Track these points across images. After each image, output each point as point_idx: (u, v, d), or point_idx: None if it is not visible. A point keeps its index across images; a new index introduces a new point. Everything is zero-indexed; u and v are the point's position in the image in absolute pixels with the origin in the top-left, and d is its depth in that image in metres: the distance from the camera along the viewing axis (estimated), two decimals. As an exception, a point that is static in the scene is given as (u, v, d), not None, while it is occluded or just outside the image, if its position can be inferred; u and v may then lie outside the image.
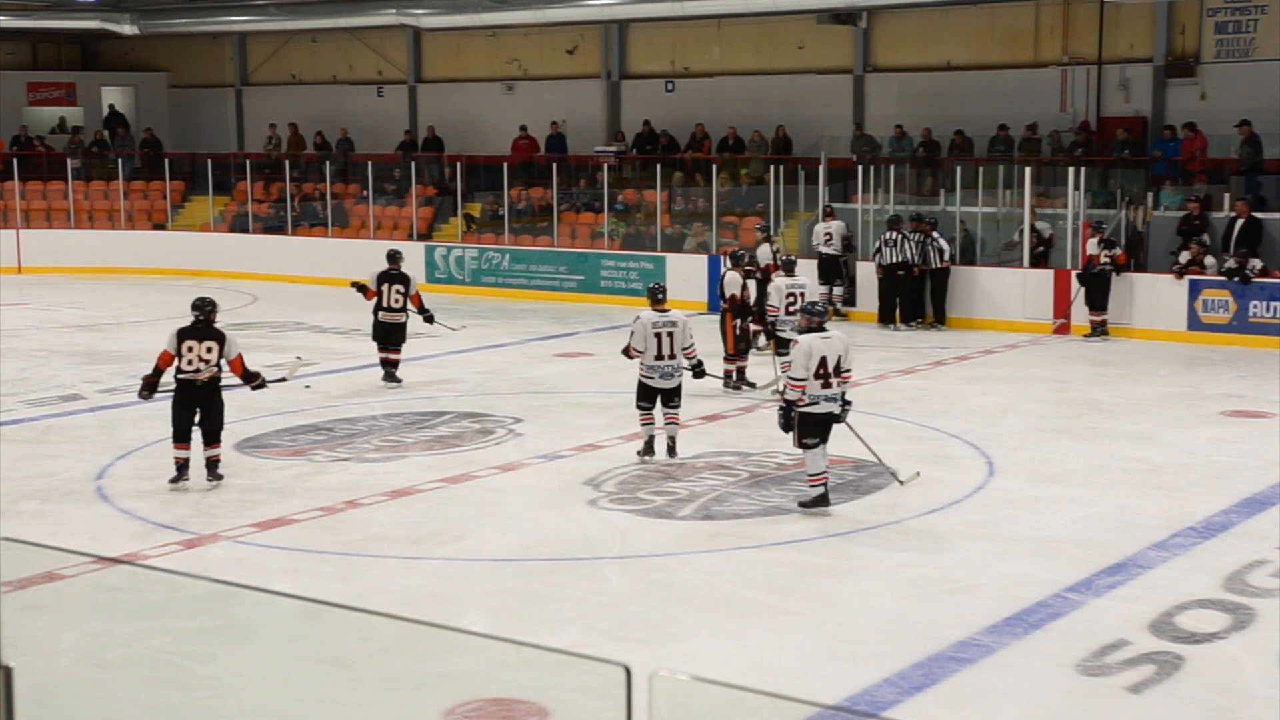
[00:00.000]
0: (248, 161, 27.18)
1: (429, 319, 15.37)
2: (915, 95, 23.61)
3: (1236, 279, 17.22)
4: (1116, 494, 10.55)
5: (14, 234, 26.04)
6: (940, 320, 18.92)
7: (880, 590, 8.52)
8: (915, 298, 19.00)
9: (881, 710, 6.72)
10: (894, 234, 18.98)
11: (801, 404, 9.85)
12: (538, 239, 23.58)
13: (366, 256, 23.66)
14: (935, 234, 18.89)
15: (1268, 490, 10.60)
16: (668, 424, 11.54)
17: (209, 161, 27.44)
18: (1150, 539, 9.37)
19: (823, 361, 9.80)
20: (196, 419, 10.74)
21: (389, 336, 14.87)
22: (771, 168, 21.65)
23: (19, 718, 4.39)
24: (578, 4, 24.66)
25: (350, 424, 13.01)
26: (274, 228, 26.18)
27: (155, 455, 11.80)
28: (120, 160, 27.71)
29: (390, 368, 14.91)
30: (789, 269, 14.30)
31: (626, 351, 11.57)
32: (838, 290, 19.60)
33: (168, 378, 10.87)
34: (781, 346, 13.85)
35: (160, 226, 27.31)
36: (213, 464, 10.82)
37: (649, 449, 11.48)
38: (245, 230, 26.26)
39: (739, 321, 14.33)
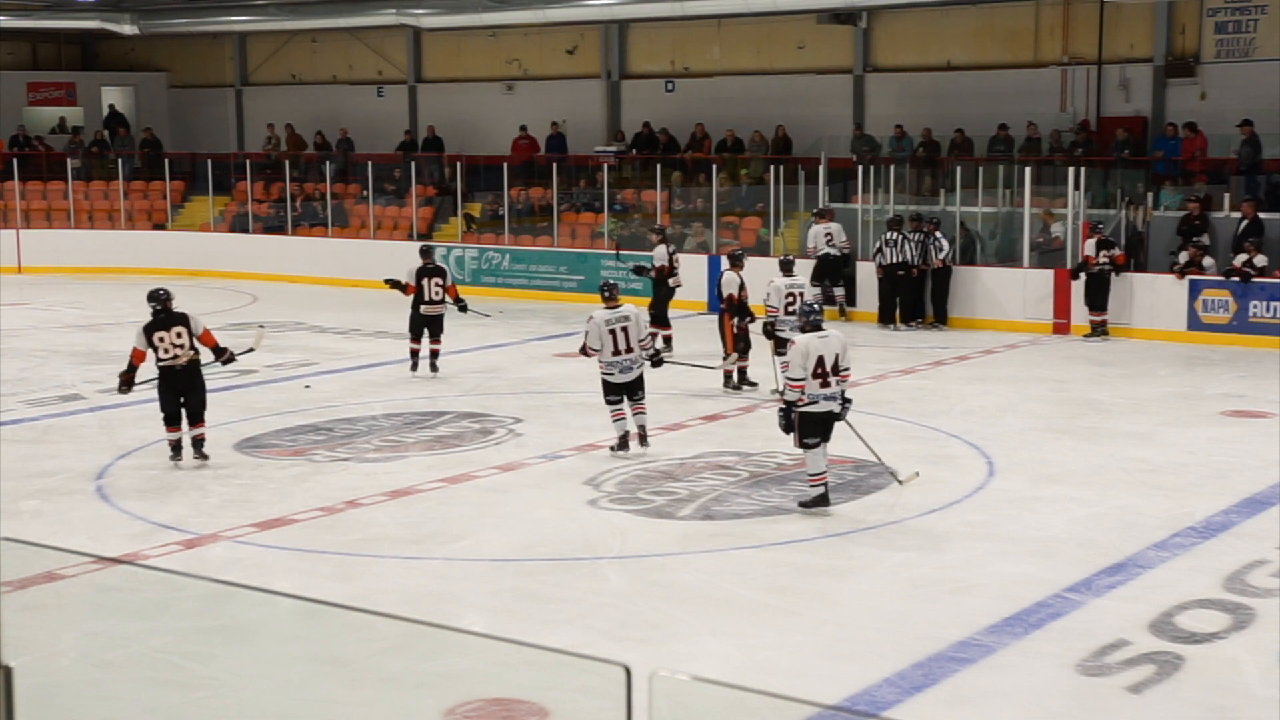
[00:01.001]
0: (248, 161, 27.18)
1: (463, 308, 16.00)
2: (915, 95, 23.61)
3: (1236, 279, 17.22)
4: (1116, 494, 10.55)
5: (14, 234, 26.04)
6: (942, 320, 18.92)
7: (880, 590, 8.52)
8: (915, 298, 19.01)
9: (881, 710, 6.72)
10: (894, 234, 18.99)
11: (801, 404, 9.87)
12: (538, 239, 23.59)
13: (366, 256, 23.80)
14: (939, 234, 18.90)
15: (1268, 490, 10.60)
16: (635, 414, 11.78)
17: (209, 161, 27.45)
18: (1150, 539, 9.37)
19: (820, 361, 9.82)
20: (181, 401, 11.33)
21: (432, 328, 15.40)
22: (771, 168, 21.64)
23: (19, 718, 4.39)
24: (578, 4, 24.66)
25: (350, 424, 13.01)
26: (274, 228, 26.18)
27: (155, 455, 11.81)
28: (120, 160, 27.71)
29: (433, 358, 15.40)
30: (787, 269, 14.29)
31: (584, 350, 11.82)
32: (839, 291, 19.60)
33: (149, 371, 11.36)
34: (781, 347, 13.85)
35: (160, 226, 27.31)
36: (198, 442, 11.41)
37: (623, 444, 11.72)
38: (245, 230, 26.27)
39: (737, 321, 14.32)
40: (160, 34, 29.35)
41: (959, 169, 19.97)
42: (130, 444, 12.17)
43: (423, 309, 15.34)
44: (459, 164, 25.67)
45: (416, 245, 23.70)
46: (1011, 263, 19.15)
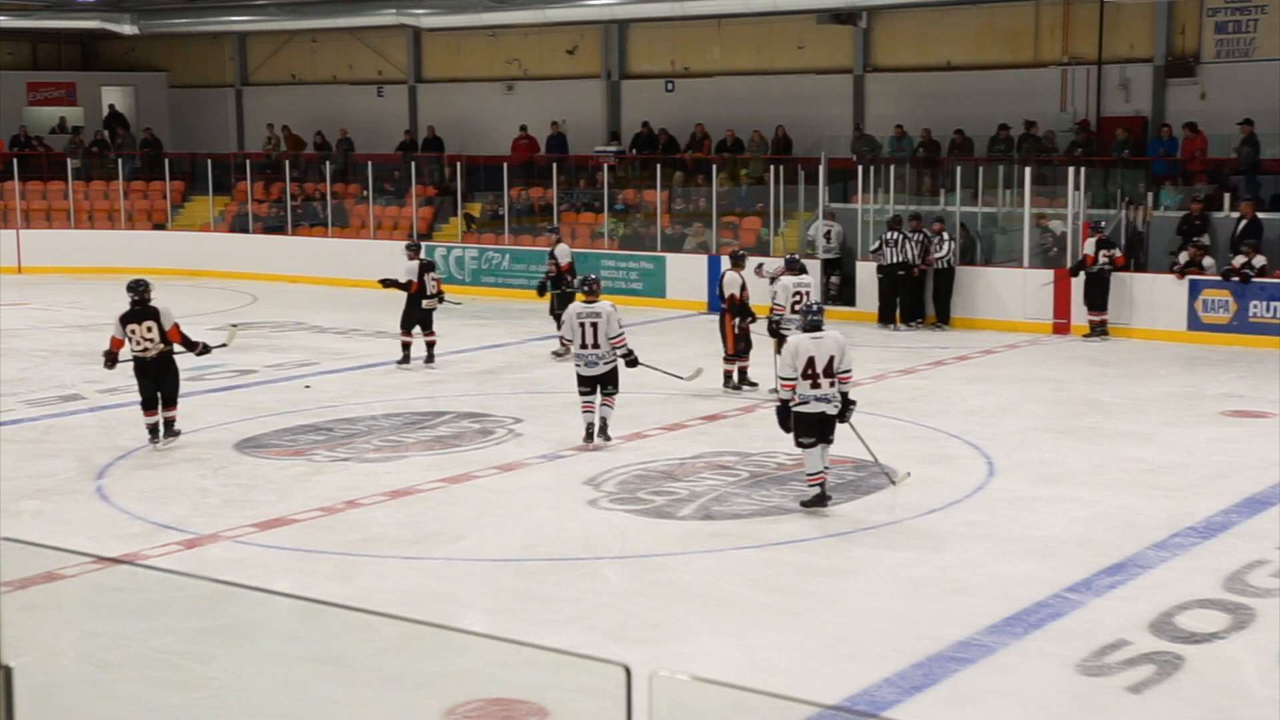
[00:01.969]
0: (248, 161, 27.18)
1: (442, 299, 16.47)
2: (915, 95, 23.60)
3: (1236, 278, 17.22)
4: (1116, 494, 10.55)
5: (14, 234, 26.05)
6: (944, 320, 18.92)
7: (880, 590, 8.52)
8: (915, 298, 19.01)
9: (881, 710, 6.72)
10: (894, 234, 18.99)
11: (793, 404, 9.90)
12: (538, 239, 23.56)
13: (366, 256, 23.77)
14: (944, 233, 18.90)
15: (1268, 490, 10.60)
16: (601, 406, 12.05)
17: (209, 161, 27.44)
18: (1150, 539, 9.37)
19: (810, 362, 9.83)
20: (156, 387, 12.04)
21: (426, 321, 16.04)
22: (771, 168, 21.63)
23: (19, 718, 4.39)
24: (578, 4, 24.65)
25: (350, 424, 13.01)
26: (274, 228, 26.18)
27: (155, 455, 11.83)
28: (120, 160, 27.71)
29: (431, 349, 16.01)
30: (794, 267, 14.28)
31: (561, 340, 12.38)
32: (833, 279, 19.72)
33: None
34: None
35: (160, 226, 27.31)
36: (169, 423, 12.10)
37: (590, 436, 11.98)
38: (245, 230, 26.27)
39: (738, 321, 14.32)
40: (160, 34, 29.35)
41: (959, 169, 19.97)
42: (130, 444, 12.17)
43: (424, 303, 15.96)
44: (459, 164, 25.66)
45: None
46: (1012, 263, 19.15)
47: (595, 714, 4.29)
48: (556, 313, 16.31)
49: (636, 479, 10.96)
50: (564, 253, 17.12)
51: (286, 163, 26.75)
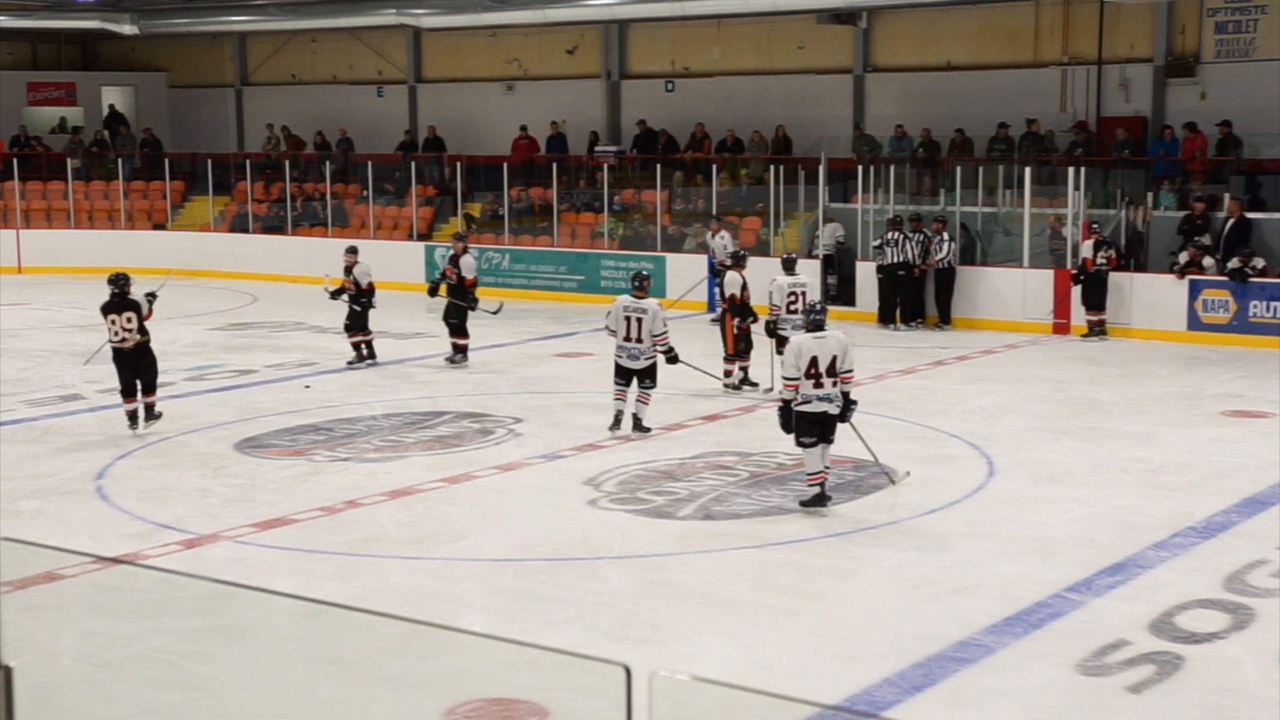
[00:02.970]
0: (248, 161, 27.18)
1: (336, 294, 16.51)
2: (915, 95, 23.60)
3: (1236, 279, 17.21)
4: (1116, 494, 10.55)
5: (14, 234, 26.05)
6: (945, 320, 18.92)
7: (880, 590, 8.52)
8: (915, 298, 19.01)
9: (881, 710, 6.72)
10: (895, 234, 18.99)
11: (795, 403, 9.90)
12: (538, 239, 23.58)
13: (367, 257, 23.65)
14: (945, 233, 18.90)
15: (1268, 490, 10.60)
16: (637, 401, 12.39)
17: (209, 161, 27.44)
18: (1150, 539, 9.37)
19: (813, 361, 9.85)
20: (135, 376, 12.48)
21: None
22: (771, 168, 21.64)
23: (19, 718, 4.39)
24: (578, 4, 24.65)
25: (350, 424, 13.01)
26: (274, 228, 26.18)
27: (155, 455, 11.83)
28: (120, 160, 27.71)
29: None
30: (789, 267, 14.29)
31: (608, 329, 12.61)
32: (831, 280, 19.80)
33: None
34: (783, 346, 13.83)
35: (160, 226, 27.31)
36: (149, 408, 12.57)
37: (617, 423, 12.35)
38: (245, 230, 26.27)
39: (739, 321, 14.32)
40: (160, 34, 29.34)
41: (959, 169, 19.97)
42: (130, 444, 12.18)
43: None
44: (459, 164, 25.66)
45: (417, 245, 23.88)
46: (1012, 263, 19.16)
47: (595, 714, 4.29)
48: (453, 320, 16.07)
49: (636, 479, 10.96)
50: (469, 266, 16.27)
51: (286, 163, 26.76)
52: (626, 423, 12.43)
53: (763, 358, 14.35)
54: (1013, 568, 8.85)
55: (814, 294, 14.07)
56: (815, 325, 10.07)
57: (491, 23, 25.63)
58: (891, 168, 20.49)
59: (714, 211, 21.76)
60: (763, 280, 15.00)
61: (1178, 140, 20.64)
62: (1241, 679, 7.19)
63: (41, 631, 7.18)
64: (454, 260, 16.37)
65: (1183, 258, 17.79)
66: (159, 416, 12.59)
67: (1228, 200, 18.61)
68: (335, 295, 16.39)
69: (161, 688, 6.74)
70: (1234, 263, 17.27)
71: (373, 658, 6.48)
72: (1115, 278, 17.89)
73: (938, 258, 18.84)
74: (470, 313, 16.19)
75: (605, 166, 23.87)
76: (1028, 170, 19.19)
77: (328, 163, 26.76)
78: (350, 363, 16.03)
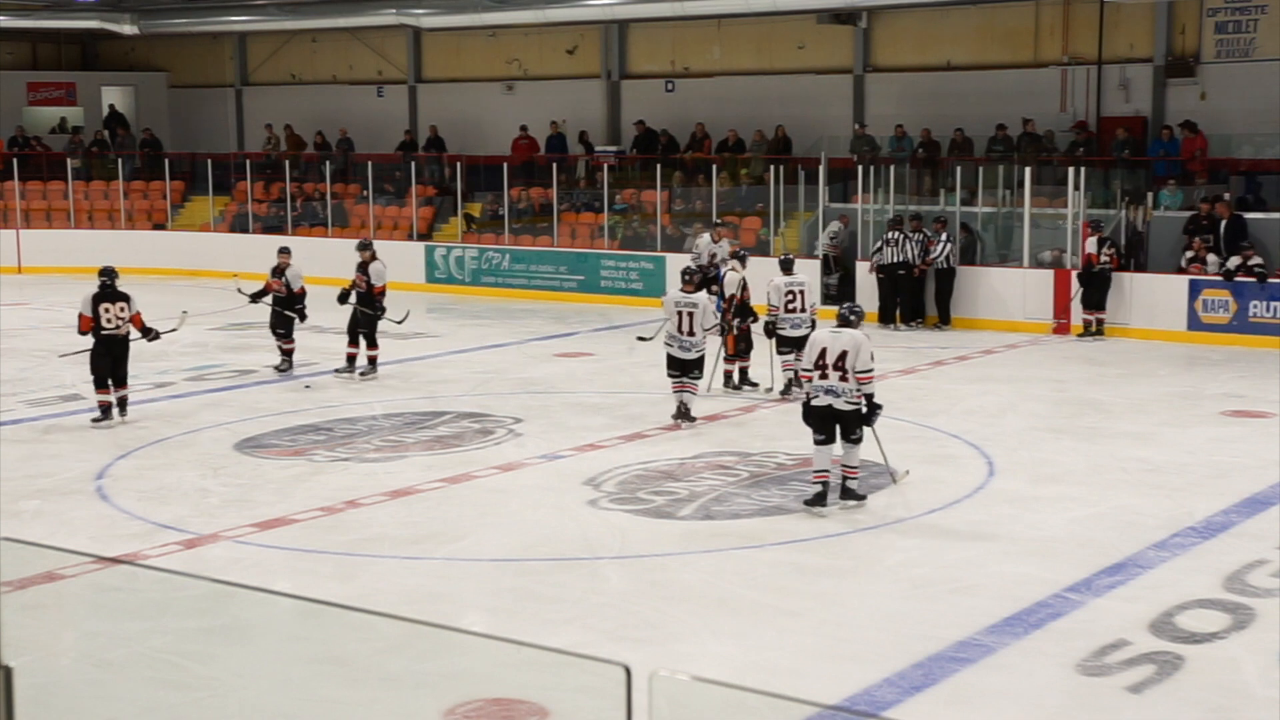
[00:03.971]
0: (248, 161, 27.18)
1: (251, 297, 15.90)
2: (915, 95, 23.60)
3: (1237, 278, 17.21)
4: (1116, 494, 10.55)
5: (14, 234, 26.04)
6: (945, 320, 18.92)
7: (880, 590, 8.52)
8: (915, 298, 19.01)
9: (881, 710, 6.72)
10: (895, 234, 18.99)
11: (808, 396, 10.10)
12: (538, 239, 23.58)
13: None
14: (945, 233, 18.90)
15: (1268, 490, 10.60)
16: (684, 391, 12.82)
17: (209, 161, 27.44)
18: (1150, 539, 9.37)
19: (822, 353, 9.92)
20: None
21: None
22: (771, 168, 21.64)
23: (19, 718, 4.39)
24: (578, 4, 24.65)
25: (350, 424, 13.01)
26: (274, 228, 26.15)
27: (155, 455, 11.83)
28: (120, 160, 27.70)
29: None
30: (787, 267, 14.28)
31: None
32: (829, 280, 19.84)
33: (86, 341, 12.87)
34: (782, 346, 13.86)
35: (160, 226, 27.30)
36: (122, 402, 12.87)
37: (684, 415, 12.75)
38: (245, 230, 26.25)
39: (738, 321, 14.31)
40: (160, 34, 29.33)
41: (959, 169, 19.97)
42: (130, 444, 12.18)
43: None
44: (459, 164, 25.66)
45: (418, 245, 23.88)
46: (1012, 263, 19.16)
47: (595, 714, 4.29)
48: (363, 330, 15.12)
49: (636, 479, 10.96)
50: (378, 273, 15.31)
51: (286, 163, 26.75)
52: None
53: (762, 358, 14.35)
54: (1013, 567, 8.85)
55: (812, 294, 14.07)
56: (841, 320, 10.17)
57: (491, 23, 25.63)
58: (891, 168, 20.48)
59: (714, 213, 21.75)
60: (763, 281, 15.00)
61: (1177, 140, 20.63)
62: (1241, 679, 7.19)
63: (41, 631, 7.18)
64: (362, 268, 15.30)
65: (1188, 254, 17.80)
66: (125, 412, 12.90)
67: (1217, 205, 18.63)
68: (257, 297, 15.64)
69: (161, 688, 6.74)
70: (1234, 261, 17.27)
71: (373, 658, 6.48)
72: (1115, 277, 17.89)
73: (936, 257, 18.83)
74: (378, 321, 15.26)
75: (605, 166, 23.87)
76: (1028, 170, 19.19)
77: (328, 163, 26.76)
78: (278, 367, 15.38)
